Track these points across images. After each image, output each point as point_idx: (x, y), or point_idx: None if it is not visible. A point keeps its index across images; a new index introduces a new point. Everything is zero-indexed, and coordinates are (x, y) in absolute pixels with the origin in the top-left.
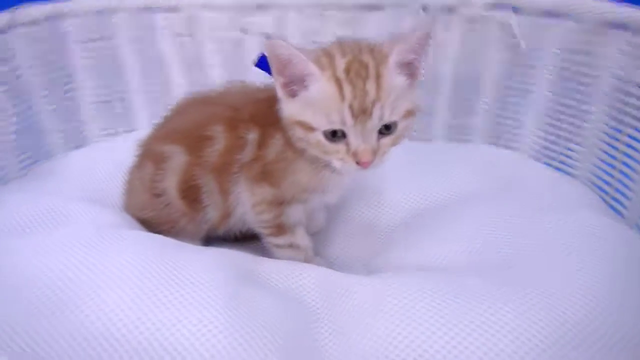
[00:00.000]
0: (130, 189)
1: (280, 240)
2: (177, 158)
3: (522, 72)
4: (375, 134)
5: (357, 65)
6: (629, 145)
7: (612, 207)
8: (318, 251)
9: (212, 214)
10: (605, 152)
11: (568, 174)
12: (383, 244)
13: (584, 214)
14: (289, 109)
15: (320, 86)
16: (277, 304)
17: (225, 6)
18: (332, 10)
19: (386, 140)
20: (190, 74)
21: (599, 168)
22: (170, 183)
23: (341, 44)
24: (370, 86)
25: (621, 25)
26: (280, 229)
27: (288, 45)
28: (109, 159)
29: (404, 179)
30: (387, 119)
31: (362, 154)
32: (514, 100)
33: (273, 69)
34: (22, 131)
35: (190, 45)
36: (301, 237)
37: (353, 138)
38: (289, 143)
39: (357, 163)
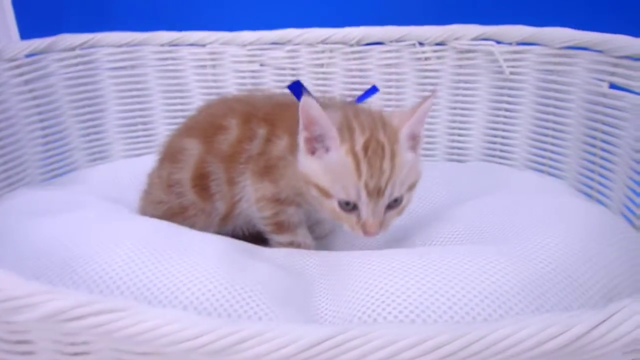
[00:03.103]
0: (149, 187)
1: (281, 238)
2: (193, 150)
3: (508, 94)
4: (384, 209)
5: (375, 144)
6: (603, 150)
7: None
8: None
9: (219, 204)
10: (585, 159)
11: (559, 177)
12: (385, 241)
13: (564, 198)
14: (308, 166)
15: (339, 157)
16: (277, 271)
17: (245, 42)
18: (339, 44)
19: (392, 212)
20: None
21: (582, 174)
22: (185, 174)
23: (358, 116)
24: (386, 165)
25: (583, 47)
26: (281, 226)
27: (319, 107)
28: (129, 172)
29: None
30: (396, 195)
31: (370, 227)
32: (504, 120)
33: (301, 122)
34: (49, 145)
35: (212, 76)
36: (302, 237)
37: (364, 212)
38: (291, 147)
39: (364, 232)
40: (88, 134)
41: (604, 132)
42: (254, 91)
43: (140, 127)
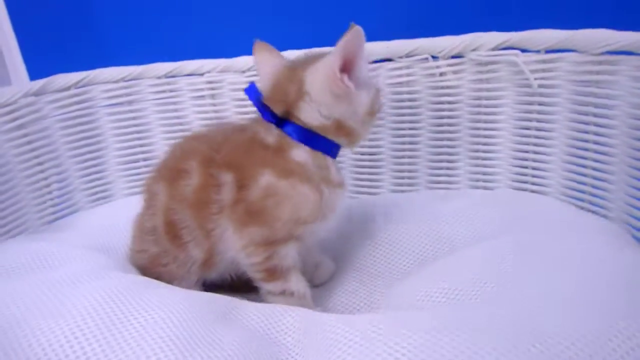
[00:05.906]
0: (133, 235)
1: (271, 286)
2: (161, 195)
3: (538, 111)
4: None
5: None
6: None
7: None
8: (321, 302)
9: (195, 252)
10: (638, 188)
11: (602, 216)
12: (389, 288)
13: (608, 247)
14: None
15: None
16: (247, 342)
17: (244, 68)
18: None
19: None
20: None
21: (633, 204)
22: (158, 220)
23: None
24: None
25: (627, 51)
26: (272, 273)
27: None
28: (130, 213)
29: (417, 226)
30: None
31: None
32: (535, 141)
33: (350, 57)
34: (48, 188)
35: (211, 106)
36: (295, 283)
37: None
38: (284, 173)
39: None
40: (88, 174)
41: None
42: (222, 124)
43: (141, 163)
